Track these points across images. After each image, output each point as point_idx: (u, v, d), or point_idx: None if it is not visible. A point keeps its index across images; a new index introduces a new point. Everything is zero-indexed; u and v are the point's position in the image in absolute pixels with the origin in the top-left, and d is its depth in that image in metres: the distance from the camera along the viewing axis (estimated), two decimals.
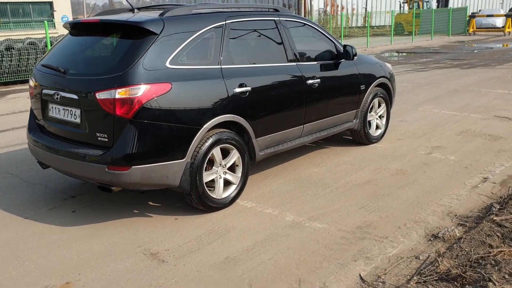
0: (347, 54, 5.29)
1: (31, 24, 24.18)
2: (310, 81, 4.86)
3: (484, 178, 4.79)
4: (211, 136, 3.97)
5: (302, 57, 4.94)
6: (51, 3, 25.57)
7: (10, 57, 12.95)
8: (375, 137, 6.10)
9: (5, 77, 12.65)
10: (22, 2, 24.50)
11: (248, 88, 4.22)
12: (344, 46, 5.34)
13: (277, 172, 5.15)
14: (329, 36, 5.37)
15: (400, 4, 34.69)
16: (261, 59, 4.59)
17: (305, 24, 5.20)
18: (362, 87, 5.62)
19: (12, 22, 24.14)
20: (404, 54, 19.43)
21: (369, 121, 5.98)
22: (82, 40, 4.18)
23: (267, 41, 4.77)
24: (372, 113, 5.99)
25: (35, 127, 4.39)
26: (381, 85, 6.03)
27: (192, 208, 4.17)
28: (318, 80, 4.95)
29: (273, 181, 4.89)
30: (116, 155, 3.57)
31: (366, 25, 24.73)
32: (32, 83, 4.30)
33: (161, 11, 4.00)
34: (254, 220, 3.99)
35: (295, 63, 4.78)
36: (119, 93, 3.50)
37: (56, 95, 3.93)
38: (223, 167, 4.19)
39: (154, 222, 3.99)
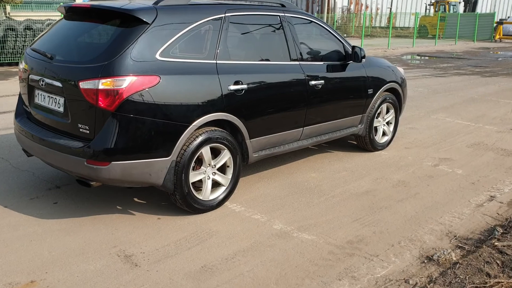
0: (356, 55, 5.02)
1: (52, 6, 24.23)
2: (313, 82, 4.61)
3: (491, 196, 4.50)
4: (200, 135, 3.76)
5: (306, 56, 4.69)
6: None
7: (24, 38, 12.92)
8: (381, 144, 5.83)
9: (18, 57, 12.62)
10: None
11: (244, 86, 4.00)
12: (353, 47, 5.06)
13: (273, 175, 4.92)
14: (338, 36, 5.10)
15: (426, 6, 33.98)
16: (261, 56, 4.36)
17: (313, 22, 4.94)
18: (370, 91, 5.35)
19: (34, 2, 24.21)
20: (425, 58, 18.95)
21: (376, 127, 5.71)
22: (73, 25, 3.99)
23: (269, 38, 4.53)
24: (379, 119, 5.72)
25: (23, 113, 4.23)
26: (390, 90, 5.75)
27: (177, 208, 3.97)
28: (322, 81, 4.69)
29: (267, 185, 4.67)
30: (95, 148, 3.38)
31: (390, 25, 24.20)
32: (21, 66, 4.14)
33: (156, 0, 3.78)
34: (239, 226, 3.78)
35: (298, 62, 4.53)
36: (103, 84, 3.31)
37: (41, 81, 3.76)
38: (212, 167, 3.98)
39: (135, 221, 3.80)
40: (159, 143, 3.54)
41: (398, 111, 5.93)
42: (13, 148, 5.47)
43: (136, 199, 4.21)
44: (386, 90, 5.67)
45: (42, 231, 3.61)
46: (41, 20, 14.99)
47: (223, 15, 4.01)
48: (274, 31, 4.47)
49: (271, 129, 4.37)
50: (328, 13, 34.18)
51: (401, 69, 6.10)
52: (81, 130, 3.51)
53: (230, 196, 4.16)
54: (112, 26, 3.65)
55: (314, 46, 5.00)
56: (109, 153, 3.37)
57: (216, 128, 3.90)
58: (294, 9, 4.77)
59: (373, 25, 35.91)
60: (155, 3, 3.69)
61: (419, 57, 19.08)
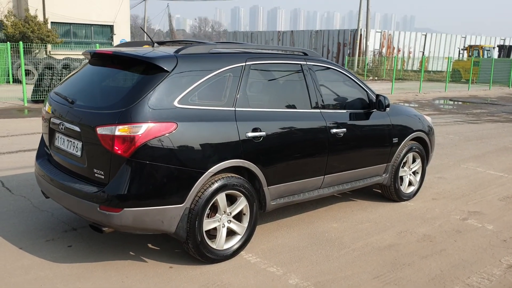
0: (380, 104, 4.93)
1: (90, 45, 25.27)
2: (334, 130, 4.52)
3: None
4: (216, 181, 3.70)
5: (328, 104, 4.63)
6: (111, 27, 26.65)
7: (60, 76, 13.37)
8: (407, 194, 5.62)
9: None
10: (85, 24, 25.66)
11: (263, 133, 3.94)
12: (377, 95, 4.98)
13: (293, 224, 4.78)
14: (362, 85, 5.03)
15: (459, 51, 33.75)
16: (281, 104, 4.31)
17: (335, 70, 4.88)
18: (395, 140, 5.21)
19: (74, 42, 25.30)
20: (457, 103, 18.63)
21: (401, 177, 5.53)
22: (96, 71, 4.06)
23: (289, 86, 4.50)
24: (405, 168, 5.55)
25: (44, 154, 4.28)
26: (417, 139, 5.59)
27: (190, 256, 3.87)
28: (344, 129, 4.60)
29: (286, 234, 4.53)
30: (109, 194, 3.35)
31: (422, 69, 24.05)
32: (45, 109, 4.22)
33: (178, 48, 3.82)
34: (253, 279, 3.64)
35: (319, 110, 4.47)
36: (119, 130, 3.31)
37: (61, 125, 3.81)
38: (227, 215, 3.89)
39: (146, 269, 3.71)
40: (173, 190, 3.49)
41: (425, 161, 5.75)
42: (35, 187, 5.51)
43: (150, 245, 4.13)
44: (413, 139, 5.52)
45: (53, 276, 3.56)
46: (79, 58, 15.56)
47: (244, 64, 4.00)
48: (295, 79, 4.44)
49: (290, 177, 4.27)
50: (359, 56, 34.39)
51: (428, 118, 5.95)
52: (96, 175, 3.50)
53: (245, 245, 4.04)
54: (132, 73, 3.69)
55: (337, 94, 4.95)
56: (121, 199, 3.33)
57: (232, 175, 3.83)
58: (317, 57, 4.75)
59: (405, 69, 35.85)
60: (176, 52, 3.72)
61: (451, 102, 18.77)
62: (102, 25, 26.43)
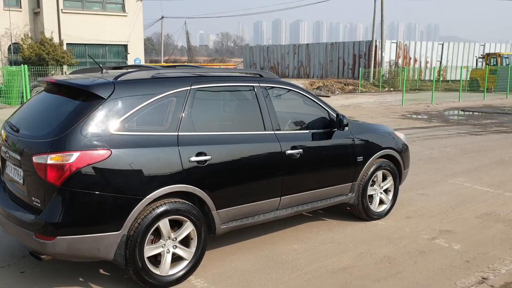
0: (340, 123, 4.87)
1: (106, 66, 25.79)
2: (290, 151, 4.48)
3: (483, 278, 4.08)
4: (158, 207, 3.71)
5: (283, 125, 4.61)
6: (126, 46, 27.19)
7: None
8: (378, 213, 5.52)
9: None
10: (100, 44, 26.29)
11: (208, 157, 3.94)
12: (337, 114, 4.93)
13: (253, 246, 4.74)
14: (322, 104, 4.99)
15: (476, 59, 33.13)
16: (230, 127, 4.31)
17: (292, 90, 4.85)
18: (360, 158, 5.14)
19: (89, 63, 25.89)
20: (468, 113, 18.25)
21: (371, 195, 5.44)
22: (44, 99, 4.13)
23: (240, 108, 4.51)
24: (374, 186, 5.45)
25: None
26: (387, 156, 5.49)
27: (136, 283, 3.87)
28: (300, 150, 4.56)
29: (242, 257, 4.49)
30: (42, 223, 3.40)
31: (439, 79, 23.68)
32: (0, 136, 4.32)
33: (118, 74, 3.87)
34: None
35: (272, 132, 4.44)
36: (51, 159, 3.37)
37: (7, 153, 3.90)
38: (173, 240, 3.88)
39: None
40: (108, 217, 3.51)
41: (397, 179, 5.64)
42: None
43: (101, 271, 4.15)
44: (382, 157, 5.43)
45: None
46: None
47: (189, 88, 4.03)
48: (246, 101, 4.44)
49: (241, 199, 4.25)
50: (375, 67, 34.13)
51: (401, 135, 5.85)
52: (34, 203, 3.56)
53: (193, 270, 4.02)
54: (71, 100, 3.74)
55: (296, 115, 4.93)
56: (54, 227, 3.37)
57: (177, 200, 3.83)
58: (273, 78, 4.75)
59: (422, 79, 35.35)
60: (115, 78, 3.78)
61: (462, 113, 18.40)
62: (116, 44, 27.00)
